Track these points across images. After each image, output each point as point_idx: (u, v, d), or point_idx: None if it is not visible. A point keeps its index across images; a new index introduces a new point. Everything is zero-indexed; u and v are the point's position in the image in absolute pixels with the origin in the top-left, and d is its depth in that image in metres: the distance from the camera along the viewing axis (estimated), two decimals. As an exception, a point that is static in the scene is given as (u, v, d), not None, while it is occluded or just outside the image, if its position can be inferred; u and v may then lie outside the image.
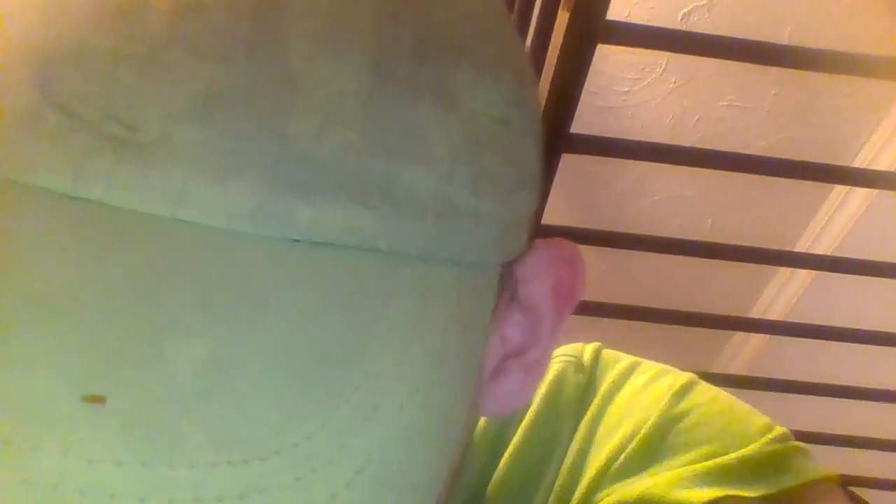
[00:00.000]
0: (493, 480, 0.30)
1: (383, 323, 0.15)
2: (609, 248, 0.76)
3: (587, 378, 0.32)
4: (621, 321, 0.82)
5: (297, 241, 0.15)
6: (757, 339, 1.44)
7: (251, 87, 0.14)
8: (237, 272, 0.14)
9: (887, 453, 0.97)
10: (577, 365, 0.32)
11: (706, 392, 0.30)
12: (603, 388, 0.31)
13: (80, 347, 0.13)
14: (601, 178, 1.25)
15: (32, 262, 0.14)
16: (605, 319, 0.81)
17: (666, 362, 0.34)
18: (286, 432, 0.14)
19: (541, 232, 0.70)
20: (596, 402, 0.31)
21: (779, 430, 0.29)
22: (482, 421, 0.31)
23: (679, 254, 0.77)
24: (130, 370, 0.13)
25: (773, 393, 0.94)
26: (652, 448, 0.28)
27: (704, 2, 1.06)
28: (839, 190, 1.27)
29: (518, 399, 0.22)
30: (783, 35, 1.07)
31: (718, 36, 0.57)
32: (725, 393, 0.31)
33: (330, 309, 0.15)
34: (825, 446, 0.98)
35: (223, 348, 0.13)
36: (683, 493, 0.26)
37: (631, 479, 0.28)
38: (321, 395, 0.14)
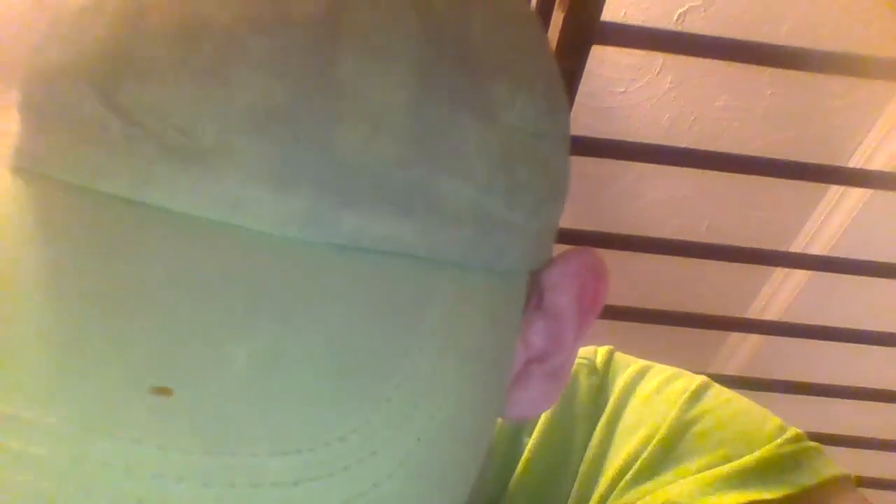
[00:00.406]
0: (510, 485, 0.31)
1: (421, 325, 0.16)
2: (605, 249, 0.76)
3: (600, 380, 0.32)
4: (618, 322, 0.82)
5: (343, 246, 0.16)
6: (753, 340, 1.44)
7: (304, 100, 0.15)
8: (286, 275, 0.15)
9: (884, 453, 0.97)
10: (590, 367, 0.33)
11: (720, 395, 0.31)
12: (616, 392, 0.31)
13: (145, 343, 0.14)
14: (597, 179, 1.25)
15: (98, 264, 0.15)
16: (602, 321, 0.81)
17: (662, 363, 0.34)
18: (334, 427, 0.15)
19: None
20: (610, 406, 0.31)
21: (792, 430, 0.29)
22: (497, 425, 0.32)
23: (676, 254, 0.77)
24: (192, 366, 0.14)
25: (769, 393, 0.94)
26: (668, 452, 0.28)
27: (700, 2, 1.06)
28: (835, 190, 1.27)
29: (539, 405, 0.22)
30: (779, 35, 1.07)
31: (714, 36, 0.57)
32: (739, 395, 0.31)
33: (372, 311, 0.16)
34: (823, 446, 0.97)
35: (276, 348, 0.14)
36: (708, 500, 0.26)
37: (648, 485, 0.28)
38: (365, 393, 0.15)
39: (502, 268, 0.18)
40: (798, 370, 0.98)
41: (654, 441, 0.29)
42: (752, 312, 1.44)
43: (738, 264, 0.76)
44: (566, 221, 0.66)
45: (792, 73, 0.69)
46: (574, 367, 0.32)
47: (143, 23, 0.15)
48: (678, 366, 0.33)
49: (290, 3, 0.15)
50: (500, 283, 0.18)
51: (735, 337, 1.47)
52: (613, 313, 0.81)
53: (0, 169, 0.16)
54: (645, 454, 0.29)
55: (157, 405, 0.14)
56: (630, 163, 1.15)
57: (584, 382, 0.32)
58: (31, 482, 0.13)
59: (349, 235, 0.16)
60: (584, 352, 0.34)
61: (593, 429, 0.30)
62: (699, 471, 0.27)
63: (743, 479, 0.27)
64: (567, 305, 0.22)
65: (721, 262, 0.77)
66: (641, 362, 0.33)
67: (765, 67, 0.87)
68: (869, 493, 0.93)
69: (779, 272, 1.38)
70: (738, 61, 0.60)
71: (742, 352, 1.47)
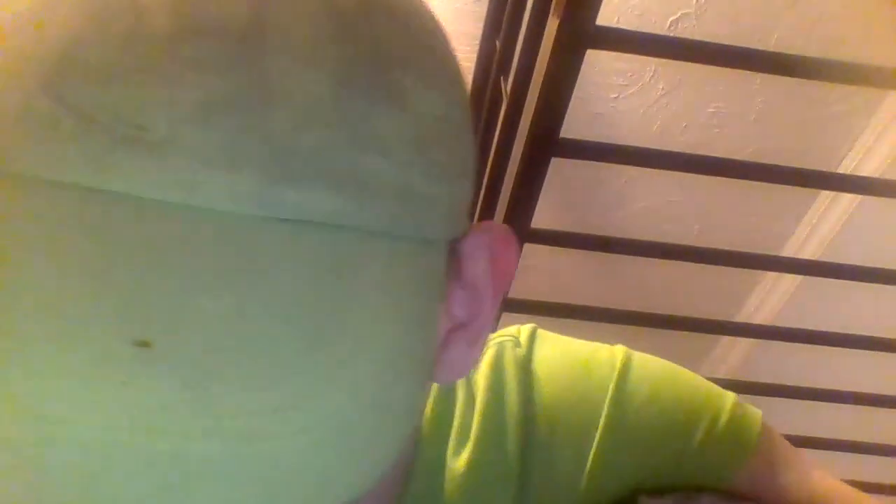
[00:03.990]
0: (448, 445, 0.34)
1: (359, 283, 0.19)
2: (597, 252, 0.77)
3: (524, 352, 0.37)
4: (608, 325, 0.83)
5: (287, 220, 0.18)
6: (744, 344, 1.45)
7: (241, 95, 0.18)
8: (241, 245, 0.18)
9: (874, 457, 0.98)
10: (515, 341, 0.37)
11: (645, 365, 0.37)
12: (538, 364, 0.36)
13: (125, 305, 0.16)
14: (590, 183, 1.25)
15: (71, 245, 0.17)
16: (593, 323, 0.81)
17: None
18: (297, 365, 0.17)
19: (531, 236, 0.70)
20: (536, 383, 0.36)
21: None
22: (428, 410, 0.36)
23: (667, 258, 0.78)
24: (169, 321, 0.16)
25: (759, 397, 0.94)
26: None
27: (692, 9, 1.07)
28: (825, 196, 1.28)
29: (463, 367, 0.26)
30: (769, 43, 1.08)
31: (706, 42, 0.58)
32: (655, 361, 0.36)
33: (317, 274, 0.18)
34: (810, 449, 0.98)
35: (242, 304, 0.17)
36: None
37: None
38: (319, 339, 0.18)
39: (424, 235, 0.21)
40: (788, 374, 0.99)
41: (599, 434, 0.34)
42: (743, 317, 1.45)
43: (729, 268, 0.77)
44: (557, 224, 0.66)
45: (782, 79, 0.70)
46: (498, 345, 0.37)
47: (89, 30, 0.17)
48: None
49: (222, 5, 0.18)
50: (425, 250, 0.21)
51: (726, 341, 1.47)
52: (603, 316, 0.82)
53: None
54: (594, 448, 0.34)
55: (141, 356, 0.16)
56: (622, 167, 1.16)
57: (509, 354, 0.36)
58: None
59: (293, 210, 0.18)
60: (507, 331, 0.38)
61: (523, 396, 0.35)
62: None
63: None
64: (483, 274, 0.24)
65: (712, 267, 0.78)
66: (561, 339, 0.37)
67: (755, 74, 0.87)
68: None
69: (770, 277, 1.39)
70: (730, 67, 0.61)
71: (733, 356, 1.48)
